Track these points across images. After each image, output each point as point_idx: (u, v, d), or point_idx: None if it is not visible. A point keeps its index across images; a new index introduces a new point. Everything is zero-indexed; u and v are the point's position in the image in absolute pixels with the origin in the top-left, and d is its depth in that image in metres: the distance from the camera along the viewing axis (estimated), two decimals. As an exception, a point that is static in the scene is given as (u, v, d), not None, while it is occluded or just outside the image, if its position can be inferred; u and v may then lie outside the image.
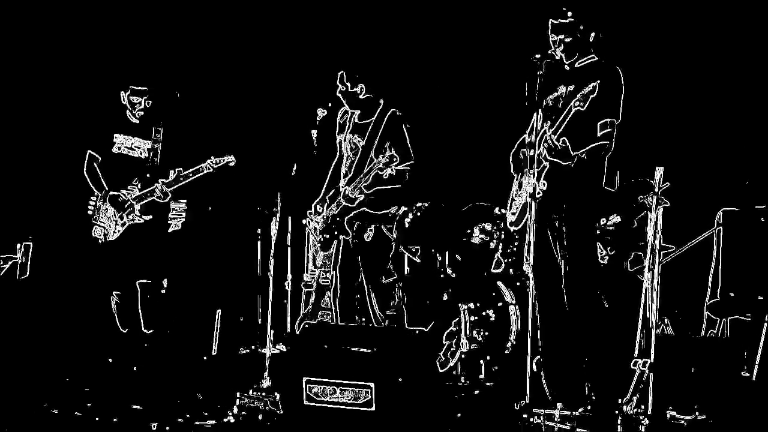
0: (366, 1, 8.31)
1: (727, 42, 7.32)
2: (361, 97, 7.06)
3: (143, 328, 7.21)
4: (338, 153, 7.26)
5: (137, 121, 7.26)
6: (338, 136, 7.26)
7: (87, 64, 8.54)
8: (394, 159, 6.82)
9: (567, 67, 5.92)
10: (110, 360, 7.07)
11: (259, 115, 8.50)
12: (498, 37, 7.81)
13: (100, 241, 7.24)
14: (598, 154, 5.79)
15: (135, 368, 6.90)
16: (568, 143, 5.72)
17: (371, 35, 8.25)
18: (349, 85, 7.04)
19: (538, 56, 5.71)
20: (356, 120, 7.17)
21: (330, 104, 6.73)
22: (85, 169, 7.32)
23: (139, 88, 7.21)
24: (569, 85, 5.83)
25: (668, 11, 7.38)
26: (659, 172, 5.54)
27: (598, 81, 5.64)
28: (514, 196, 6.04)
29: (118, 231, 7.20)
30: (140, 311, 7.20)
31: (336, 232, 7.07)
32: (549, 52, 5.82)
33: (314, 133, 6.62)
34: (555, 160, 5.76)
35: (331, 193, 7.16)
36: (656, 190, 5.54)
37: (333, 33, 8.38)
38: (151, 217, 7.19)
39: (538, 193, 5.68)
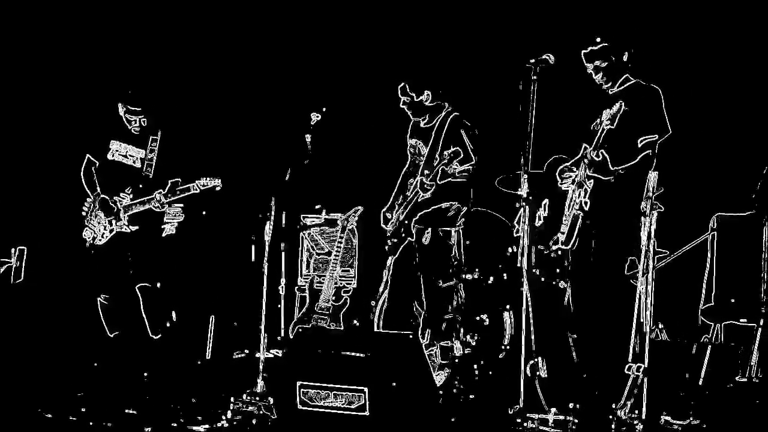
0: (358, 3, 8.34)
1: (721, 45, 7.33)
2: (428, 104, 6.99)
3: (150, 334, 7.20)
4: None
5: (136, 133, 7.29)
6: (409, 140, 7.20)
7: (83, 72, 8.54)
8: (459, 152, 6.75)
9: (609, 92, 6.12)
10: (95, 364, 7.06)
11: (253, 119, 8.49)
12: (503, 42, 7.82)
13: (87, 243, 7.25)
14: (638, 172, 5.91)
15: (128, 373, 6.90)
16: (606, 155, 5.91)
17: (369, 37, 8.27)
18: (414, 95, 6.98)
19: (532, 61, 5.74)
20: (421, 125, 7.08)
21: (324, 108, 6.70)
22: (82, 171, 7.33)
23: (134, 108, 7.22)
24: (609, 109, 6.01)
25: (660, 12, 7.40)
26: (653, 177, 5.54)
27: (621, 102, 5.88)
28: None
29: (106, 236, 7.22)
30: (144, 316, 7.21)
31: (404, 235, 6.98)
32: (543, 57, 5.82)
33: (308, 137, 6.61)
34: (596, 175, 5.95)
35: (399, 199, 7.07)
36: (651, 195, 5.54)
37: (328, 36, 8.39)
38: (137, 227, 7.20)
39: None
